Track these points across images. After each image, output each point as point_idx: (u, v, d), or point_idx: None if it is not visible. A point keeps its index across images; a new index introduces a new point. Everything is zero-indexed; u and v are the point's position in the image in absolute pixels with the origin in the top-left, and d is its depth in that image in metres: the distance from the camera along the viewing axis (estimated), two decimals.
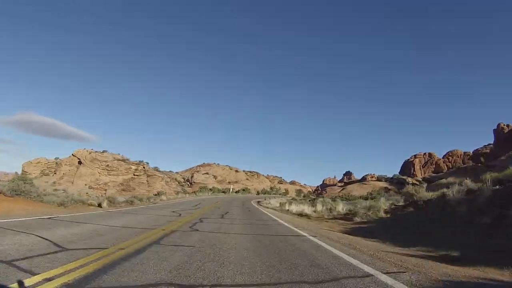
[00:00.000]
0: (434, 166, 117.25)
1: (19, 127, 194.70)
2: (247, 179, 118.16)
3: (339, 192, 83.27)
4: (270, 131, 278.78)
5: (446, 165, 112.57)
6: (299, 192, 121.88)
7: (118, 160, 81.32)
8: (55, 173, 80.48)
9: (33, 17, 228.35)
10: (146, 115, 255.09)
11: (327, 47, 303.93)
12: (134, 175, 79.05)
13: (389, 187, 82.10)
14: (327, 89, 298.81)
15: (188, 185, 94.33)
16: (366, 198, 43.78)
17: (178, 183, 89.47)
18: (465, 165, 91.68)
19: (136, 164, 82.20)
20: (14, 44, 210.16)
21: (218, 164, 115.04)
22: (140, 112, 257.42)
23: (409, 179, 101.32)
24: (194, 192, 68.65)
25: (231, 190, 79.66)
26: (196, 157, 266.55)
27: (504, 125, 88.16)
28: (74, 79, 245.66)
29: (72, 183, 74.25)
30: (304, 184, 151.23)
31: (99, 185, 73.39)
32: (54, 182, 76.08)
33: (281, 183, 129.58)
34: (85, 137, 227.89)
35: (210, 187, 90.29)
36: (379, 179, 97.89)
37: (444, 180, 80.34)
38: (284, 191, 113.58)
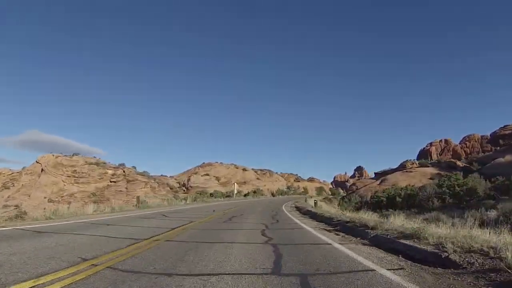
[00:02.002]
0: (451, 152, 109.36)
1: (25, 146, 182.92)
2: (257, 178, 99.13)
3: (378, 185, 63.50)
4: (273, 127, 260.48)
5: (464, 151, 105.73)
6: (320, 190, 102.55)
7: (91, 164, 63.94)
8: (13, 185, 63.57)
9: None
10: (147, 118, 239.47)
11: (326, 41, 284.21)
12: (110, 181, 61.43)
13: (442, 172, 64.05)
14: (326, 83, 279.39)
15: (184, 190, 76.21)
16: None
17: (170, 188, 71.35)
18: None
19: (114, 168, 64.60)
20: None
21: (221, 163, 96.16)
22: (142, 116, 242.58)
23: (459, 162, 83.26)
24: (185, 198, 49.82)
25: (235, 192, 59.39)
26: (199, 159, 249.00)
27: None
28: (76, 96, 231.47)
29: (29, 196, 57.18)
30: (324, 181, 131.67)
31: (63, 196, 56.06)
32: (9, 197, 59.29)
33: (298, 181, 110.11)
34: (94, 152, 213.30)
35: (211, 191, 71.96)
36: (422, 164, 78.98)
37: (502, 160, 62.61)
38: (303, 190, 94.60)
